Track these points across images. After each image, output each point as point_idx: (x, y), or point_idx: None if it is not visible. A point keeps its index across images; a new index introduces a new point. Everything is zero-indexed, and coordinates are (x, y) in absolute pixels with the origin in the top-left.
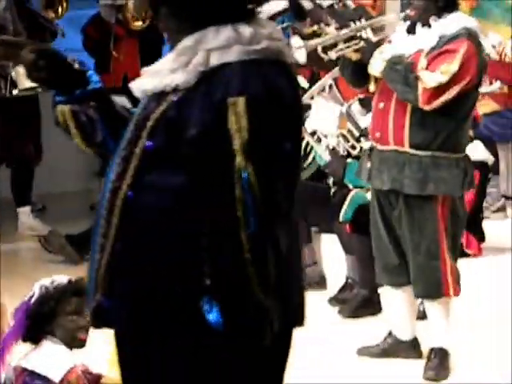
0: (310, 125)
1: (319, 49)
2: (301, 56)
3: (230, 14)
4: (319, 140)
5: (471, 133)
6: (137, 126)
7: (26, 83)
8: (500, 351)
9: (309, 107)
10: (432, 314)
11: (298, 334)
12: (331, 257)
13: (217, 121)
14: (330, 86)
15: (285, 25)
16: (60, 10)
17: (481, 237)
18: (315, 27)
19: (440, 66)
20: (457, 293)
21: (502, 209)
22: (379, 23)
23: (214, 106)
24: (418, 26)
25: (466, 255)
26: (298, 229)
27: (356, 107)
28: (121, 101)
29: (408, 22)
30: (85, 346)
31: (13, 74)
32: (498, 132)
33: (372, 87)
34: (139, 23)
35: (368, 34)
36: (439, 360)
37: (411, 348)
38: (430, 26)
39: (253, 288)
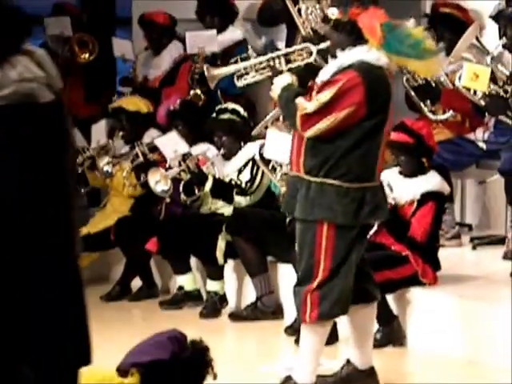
0: (265, 153)
1: (235, 78)
2: (211, 83)
3: None
4: (274, 169)
5: (426, 163)
6: None
7: None
8: (455, 376)
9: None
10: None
11: (254, 361)
12: (288, 286)
13: None
14: None
15: (244, 55)
16: None
17: (436, 265)
18: None
19: (319, 96)
20: (312, 320)
21: (457, 236)
22: (294, 53)
23: None
24: (329, 58)
25: (422, 284)
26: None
27: None
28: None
29: None
30: None
31: None
32: (451, 160)
33: None
34: (86, 55)
35: (282, 63)
36: None
37: (369, 377)
38: (336, 57)
39: None
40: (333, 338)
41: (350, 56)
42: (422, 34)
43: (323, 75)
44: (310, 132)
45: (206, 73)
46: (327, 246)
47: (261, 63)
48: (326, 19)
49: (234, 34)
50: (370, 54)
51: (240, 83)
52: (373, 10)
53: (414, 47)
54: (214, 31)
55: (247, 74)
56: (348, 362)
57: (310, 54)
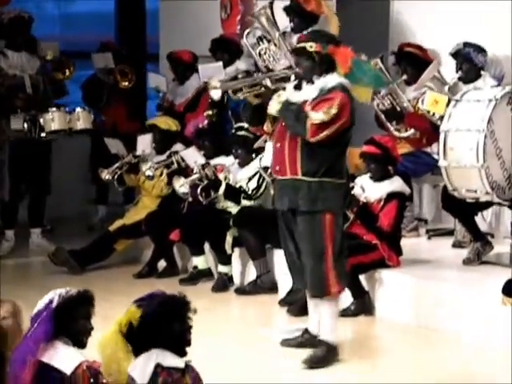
0: (263, 162)
1: (230, 91)
2: (216, 95)
3: None
4: (271, 174)
5: (391, 170)
6: None
7: (51, 127)
8: (413, 339)
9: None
10: (321, 311)
11: (254, 326)
12: (281, 267)
13: None
14: None
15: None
16: (68, 72)
17: (399, 252)
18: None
19: (323, 109)
20: (339, 290)
21: (415, 229)
22: (278, 76)
23: None
24: (304, 83)
25: (388, 266)
26: None
27: None
28: (115, 143)
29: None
30: (85, 348)
31: (41, 120)
32: (411, 168)
33: (266, 127)
34: (126, 83)
35: (267, 82)
36: (323, 350)
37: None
38: (313, 82)
39: None
40: (305, 312)
41: (329, 80)
42: (375, 68)
43: (307, 95)
44: (319, 137)
45: (208, 84)
46: (330, 232)
47: (254, 82)
48: (295, 51)
49: (239, 66)
50: (343, 79)
51: (235, 97)
52: (344, 48)
53: (375, 78)
54: (220, 63)
55: (241, 90)
56: (306, 330)
57: (288, 77)
